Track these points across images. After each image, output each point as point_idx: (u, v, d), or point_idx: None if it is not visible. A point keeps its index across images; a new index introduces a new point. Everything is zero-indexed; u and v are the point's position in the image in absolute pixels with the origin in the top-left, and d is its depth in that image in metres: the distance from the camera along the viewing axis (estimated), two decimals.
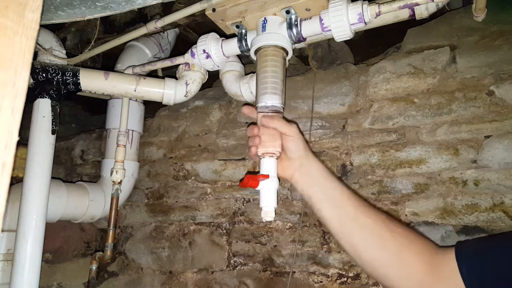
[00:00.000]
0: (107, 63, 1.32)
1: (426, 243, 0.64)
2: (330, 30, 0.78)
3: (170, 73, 1.23)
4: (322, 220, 0.69)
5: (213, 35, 0.92)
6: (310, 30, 0.80)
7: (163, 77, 1.08)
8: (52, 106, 1.02)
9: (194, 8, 0.88)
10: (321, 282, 1.03)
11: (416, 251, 0.62)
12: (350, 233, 0.65)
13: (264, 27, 0.80)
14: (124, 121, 1.18)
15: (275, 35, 0.78)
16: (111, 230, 1.17)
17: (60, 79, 1.01)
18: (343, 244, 0.67)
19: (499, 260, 0.53)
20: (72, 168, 1.50)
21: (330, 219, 0.67)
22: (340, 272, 1.01)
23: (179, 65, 1.03)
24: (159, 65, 1.05)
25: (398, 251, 0.63)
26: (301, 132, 0.73)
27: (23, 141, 0.90)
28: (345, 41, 1.01)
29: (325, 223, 0.68)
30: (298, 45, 0.91)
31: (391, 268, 0.63)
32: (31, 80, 1.00)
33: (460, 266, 0.55)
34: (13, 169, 0.40)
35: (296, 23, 0.80)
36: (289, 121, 0.72)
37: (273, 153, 0.70)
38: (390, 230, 0.64)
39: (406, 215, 0.96)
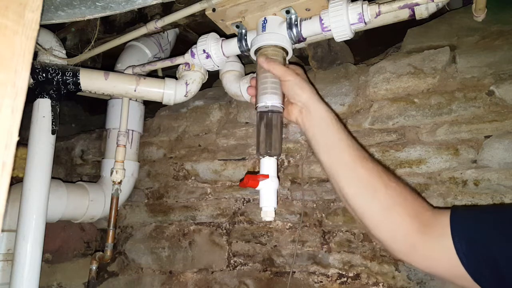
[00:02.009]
0: (107, 63, 1.32)
1: (419, 201, 0.64)
2: (330, 30, 0.78)
3: (170, 73, 1.23)
4: (321, 162, 0.70)
5: (213, 35, 0.92)
6: (310, 30, 0.80)
7: (163, 77, 1.08)
8: (52, 106, 1.02)
9: (194, 8, 0.88)
10: (321, 282, 1.03)
11: (408, 208, 0.62)
12: (344, 180, 0.66)
13: (264, 27, 0.80)
14: (124, 121, 1.18)
15: (275, 35, 0.78)
16: (111, 230, 1.17)
17: (60, 79, 1.01)
18: (336, 189, 0.68)
19: (493, 227, 0.53)
20: (72, 168, 1.50)
21: (326, 163, 0.68)
22: (340, 272, 1.01)
23: (179, 65, 1.03)
24: (159, 65, 1.05)
25: (389, 205, 0.62)
26: (307, 77, 0.74)
27: (23, 141, 0.90)
28: (345, 41, 1.01)
29: (323, 166, 0.69)
30: (298, 45, 0.91)
31: (380, 221, 0.63)
32: (31, 80, 1.00)
33: (452, 228, 0.55)
34: (13, 169, 0.40)
35: (296, 23, 0.80)
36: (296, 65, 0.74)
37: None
38: (384, 183, 0.63)
39: None
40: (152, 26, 1.00)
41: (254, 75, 0.80)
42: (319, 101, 0.70)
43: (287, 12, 0.79)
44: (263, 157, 0.71)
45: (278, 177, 0.73)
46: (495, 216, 0.56)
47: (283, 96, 0.75)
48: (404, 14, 0.80)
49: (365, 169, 0.64)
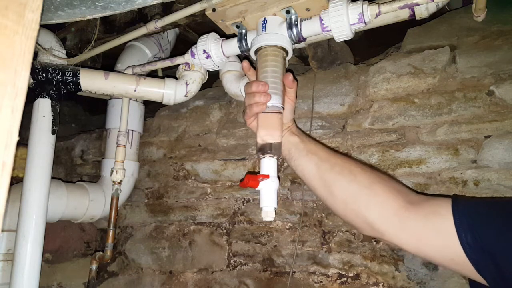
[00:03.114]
0: (107, 63, 1.32)
1: (400, 184, 0.67)
2: (330, 30, 0.78)
3: (170, 73, 1.23)
4: (299, 168, 0.75)
5: (213, 35, 0.92)
6: (310, 30, 0.80)
7: (163, 77, 1.08)
8: (52, 106, 1.02)
9: (194, 8, 0.88)
10: (321, 282, 1.03)
11: (389, 186, 0.65)
12: (322, 172, 0.70)
13: (264, 27, 0.80)
14: (124, 121, 1.18)
15: (275, 35, 0.78)
16: (111, 230, 1.17)
17: (60, 79, 1.01)
18: (317, 188, 0.72)
19: (497, 223, 0.53)
20: (72, 168, 1.50)
21: (306, 165, 0.73)
22: (340, 272, 1.01)
23: (179, 65, 1.03)
24: (159, 65, 1.05)
25: (369, 183, 0.65)
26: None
27: (23, 141, 0.90)
28: (345, 41, 1.01)
29: (301, 172, 0.75)
30: (298, 45, 0.91)
31: (362, 199, 0.65)
32: (31, 80, 1.00)
33: (456, 215, 0.55)
34: (13, 169, 0.40)
35: (296, 23, 0.80)
36: None
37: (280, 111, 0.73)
38: (360, 167, 0.69)
39: None
40: (152, 26, 1.00)
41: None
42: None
43: (287, 12, 0.79)
44: (264, 157, 0.71)
45: (278, 177, 0.73)
46: (501, 212, 0.56)
47: (284, 96, 0.75)
48: (404, 14, 0.80)
49: (340, 159, 0.72)
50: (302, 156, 0.74)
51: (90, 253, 1.37)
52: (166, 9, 1.11)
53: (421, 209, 0.59)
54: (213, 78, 1.25)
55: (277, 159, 0.73)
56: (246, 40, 0.85)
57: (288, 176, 1.11)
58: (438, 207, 0.57)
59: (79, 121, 1.89)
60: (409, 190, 0.67)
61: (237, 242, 1.16)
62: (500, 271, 0.50)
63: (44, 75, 1.00)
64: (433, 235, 0.56)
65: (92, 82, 1.03)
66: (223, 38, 0.92)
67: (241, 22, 0.84)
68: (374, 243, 0.99)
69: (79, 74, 1.02)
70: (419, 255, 0.62)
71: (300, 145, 0.75)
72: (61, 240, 1.34)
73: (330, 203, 0.71)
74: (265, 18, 0.81)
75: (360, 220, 0.66)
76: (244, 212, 1.17)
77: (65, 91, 1.03)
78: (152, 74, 1.17)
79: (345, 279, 1.00)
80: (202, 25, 1.05)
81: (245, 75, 1.06)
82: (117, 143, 1.17)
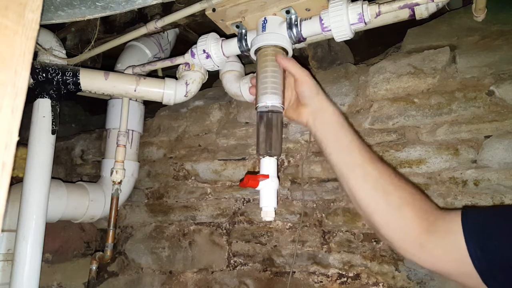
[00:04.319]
0: (107, 63, 1.32)
1: (426, 201, 0.64)
2: (330, 30, 0.78)
3: (170, 73, 1.23)
4: (331, 163, 0.69)
5: (213, 35, 0.92)
6: (310, 30, 0.80)
7: (163, 77, 1.08)
8: (52, 106, 1.02)
9: (194, 8, 0.88)
10: (321, 282, 1.03)
11: (417, 208, 0.62)
12: (354, 180, 0.66)
13: (264, 27, 0.80)
14: (124, 121, 1.19)
15: (275, 35, 0.78)
16: (111, 230, 1.17)
17: (60, 79, 1.01)
18: (347, 190, 0.68)
19: (508, 235, 0.53)
20: (72, 168, 1.50)
21: (338, 164, 0.68)
22: (340, 272, 1.01)
23: (179, 65, 1.03)
24: (159, 65, 1.05)
25: (399, 204, 0.63)
26: (314, 78, 0.74)
27: (23, 141, 0.90)
28: (345, 41, 1.01)
29: (333, 166, 0.69)
30: (298, 45, 0.91)
31: (390, 220, 0.63)
32: (31, 80, 1.00)
33: (466, 232, 0.54)
34: (13, 169, 0.40)
35: (296, 23, 0.80)
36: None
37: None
38: (393, 184, 0.64)
39: None
40: (152, 26, 1.00)
41: (254, 75, 0.80)
42: (332, 104, 0.71)
43: (287, 12, 0.79)
44: (263, 157, 0.71)
45: (278, 177, 0.73)
46: (508, 221, 0.55)
47: (284, 95, 0.75)
48: (404, 14, 0.80)
49: (376, 170, 0.65)
50: (336, 153, 0.68)
51: (90, 253, 1.37)
52: (166, 9, 1.11)
53: (437, 229, 0.59)
54: (213, 78, 1.25)
55: (277, 159, 0.73)
56: (246, 40, 0.86)
57: (288, 176, 1.11)
58: (450, 224, 0.57)
59: (79, 121, 1.89)
60: (432, 204, 0.65)
61: (237, 242, 1.16)
62: (509, 284, 0.50)
63: (44, 75, 1.00)
64: (449, 253, 0.56)
65: (92, 82, 1.03)
66: (223, 38, 0.92)
67: (241, 22, 0.84)
68: (374, 243, 0.99)
69: (79, 74, 1.02)
70: (437, 272, 0.62)
71: (331, 140, 0.69)
72: (61, 240, 1.34)
73: (357, 205, 0.68)
74: (265, 18, 0.81)
75: (380, 232, 0.65)
76: (244, 212, 1.17)
77: (65, 91, 1.03)
78: (152, 74, 1.17)
79: (345, 279, 1.00)
80: (202, 25, 1.05)
81: (245, 75, 1.06)
82: (117, 143, 1.17)
